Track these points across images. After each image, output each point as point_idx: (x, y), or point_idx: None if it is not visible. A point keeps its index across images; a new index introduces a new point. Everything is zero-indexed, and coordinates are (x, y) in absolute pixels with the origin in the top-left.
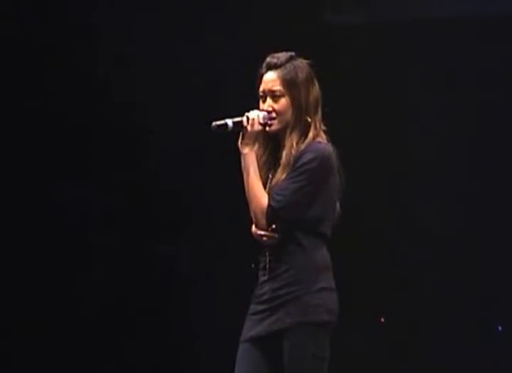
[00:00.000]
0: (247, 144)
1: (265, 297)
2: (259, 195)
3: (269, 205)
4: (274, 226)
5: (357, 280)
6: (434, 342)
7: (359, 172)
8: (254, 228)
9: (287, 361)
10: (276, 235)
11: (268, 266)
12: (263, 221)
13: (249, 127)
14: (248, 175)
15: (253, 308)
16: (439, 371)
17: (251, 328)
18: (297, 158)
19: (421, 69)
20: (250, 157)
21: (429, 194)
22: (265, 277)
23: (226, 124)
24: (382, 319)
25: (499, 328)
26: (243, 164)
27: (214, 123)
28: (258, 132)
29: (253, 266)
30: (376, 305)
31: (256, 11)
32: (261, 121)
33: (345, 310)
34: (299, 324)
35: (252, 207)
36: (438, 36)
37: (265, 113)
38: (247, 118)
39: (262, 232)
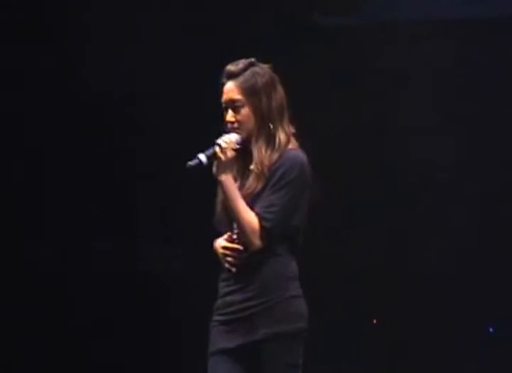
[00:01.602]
0: (224, 173)
1: (233, 308)
2: (247, 217)
3: (262, 227)
4: (241, 247)
5: (351, 281)
6: (427, 343)
7: (355, 175)
8: (216, 244)
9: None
10: (243, 256)
11: (235, 275)
12: (258, 243)
13: (222, 157)
14: (232, 200)
15: (217, 319)
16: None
17: (221, 340)
18: (275, 169)
19: (413, 70)
20: (228, 182)
21: (424, 195)
22: (232, 287)
23: (200, 162)
24: (374, 321)
25: (491, 329)
26: (223, 190)
27: (188, 164)
28: (233, 157)
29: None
30: (369, 307)
31: (245, 12)
32: (234, 147)
33: (340, 312)
34: (274, 335)
35: (244, 231)
36: (430, 38)
37: (238, 137)
38: (220, 147)
39: (228, 252)
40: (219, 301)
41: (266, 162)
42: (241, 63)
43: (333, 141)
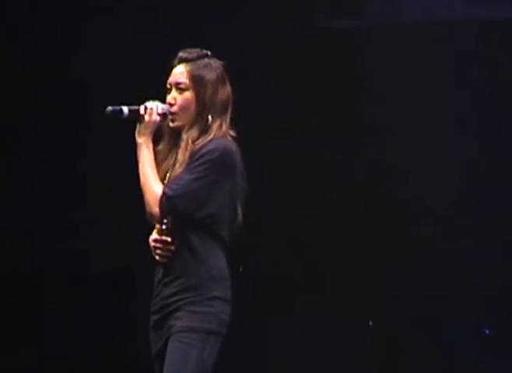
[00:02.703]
0: (143, 134)
1: (158, 306)
2: (153, 185)
3: (164, 193)
4: (170, 239)
5: (347, 282)
6: (423, 346)
7: (353, 177)
8: (150, 238)
9: (169, 360)
10: (172, 248)
11: (163, 270)
12: (156, 210)
13: (146, 117)
14: (143, 165)
15: (153, 319)
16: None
17: (155, 342)
18: (197, 150)
19: (413, 72)
20: (145, 147)
21: (419, 197)
22: (161, 283)
23: (121, 110)
24: (370, 322)
25: (487, 331)
26: (138, 153)
27: (109, 108)
28: (156, 123)
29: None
30: (364, 308)
31: (250, 13)
32: (160, 111)
33: (335, 313)
34: (188, 328)
35: (146, 197)
36: (431, 40)
37: (165, 105)
38: (145, 107)
39: (157, 244)
40: (153, 298)
41: (191, 149)
42: (195, 52)
43: (333, 140)
